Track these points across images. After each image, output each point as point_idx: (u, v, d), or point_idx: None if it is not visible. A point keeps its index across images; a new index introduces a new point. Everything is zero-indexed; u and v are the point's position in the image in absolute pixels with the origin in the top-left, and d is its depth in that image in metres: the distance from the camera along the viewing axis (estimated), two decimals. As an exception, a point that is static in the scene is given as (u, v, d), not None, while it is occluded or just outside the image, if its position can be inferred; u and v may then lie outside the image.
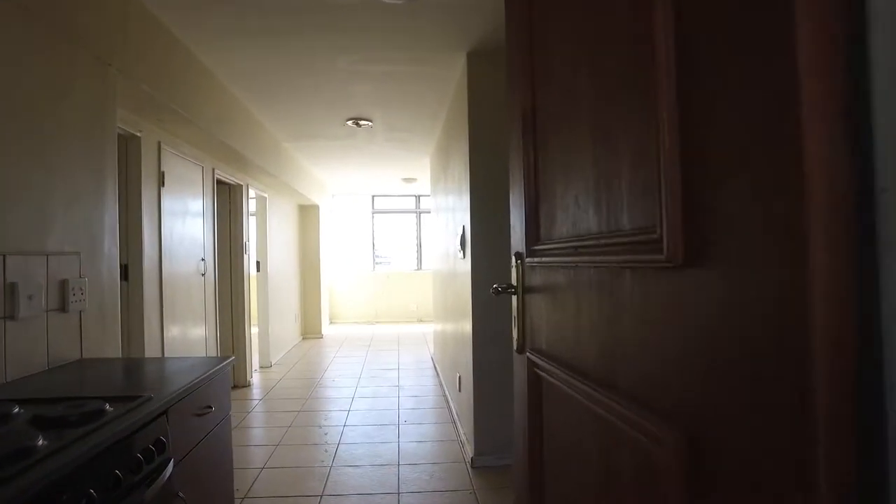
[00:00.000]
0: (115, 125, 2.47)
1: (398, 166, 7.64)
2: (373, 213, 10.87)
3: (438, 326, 6.34)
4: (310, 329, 8.82)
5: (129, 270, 3.29)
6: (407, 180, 8.78)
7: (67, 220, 2.09)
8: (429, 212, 10.78)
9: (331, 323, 10.28)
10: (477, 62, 3.46)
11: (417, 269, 10.91)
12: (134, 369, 2.19)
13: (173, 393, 1.64)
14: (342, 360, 6.99)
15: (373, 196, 10.81)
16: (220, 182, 5.01)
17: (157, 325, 3.52)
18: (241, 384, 5.46)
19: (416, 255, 10.97)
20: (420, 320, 10.58)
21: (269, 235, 6.64)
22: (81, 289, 2.13)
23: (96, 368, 2.04)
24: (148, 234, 3.41)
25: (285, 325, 7.50)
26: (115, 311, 2.43)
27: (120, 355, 2.46)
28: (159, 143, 3.56)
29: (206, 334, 4.38)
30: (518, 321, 1.14)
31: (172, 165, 3.76)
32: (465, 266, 3.64)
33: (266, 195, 6.47)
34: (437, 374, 5.94)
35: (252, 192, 6.15)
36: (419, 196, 10.86)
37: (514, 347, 1.17)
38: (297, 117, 5.01)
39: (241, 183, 5.45)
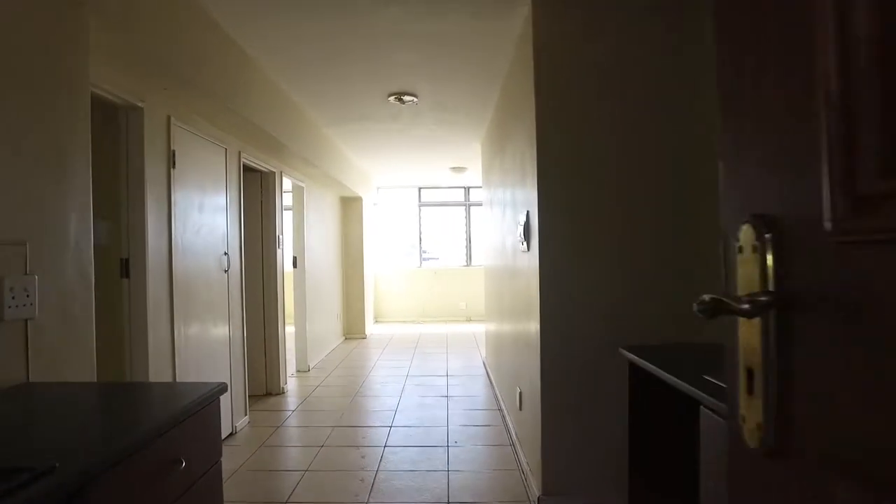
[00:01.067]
0: (86, 78, 1.93)
1: (446, 153, 7.01)
2: (419, 205, 10.28)
3: (491, 327, 5.69)
4: (353, 329, 8.32)
5: (131, 266, 2.78)
6: (456, 169, 8.14)
7: (3, 195, 1.54)
8: (479, 204, 10.13)
9: (375, 322, 9.77)
10: (545, 11, 2.77)
11: (467, 265, 10.27)
12: (86, 403, 1.61)
13: (106, 453, 1.06)
14: (386, 363, 6.42)
15: (419, 188, 10.22)
16: (249, 168, 4.51)
17: (165, 326, 3.00)
18: (274, 391, 4.96)
19: (465, 250, 10.32)
20: (469, 319, 9.94)
21: (308, 228, 6.14)
22: (26, 289, 1.59)
23: (34, 401, 1.49)
24: (154, 223, 2.90)
25: (326, 325, 7.00)
26: (86, 318, 1.89)
27: (94, 375, 1.92)
28: (169, 118, 3.05)
29: (231, 335, 3.88)
30: (764, 380, 0.48)
31: (186, 144, 3.25)
32: (530, 260, 2.97)
33: (304, 185, 5.97)
34: (491, 382, 5.29)
35: (288, 182, 5.65)
36: (468, 188, 10.21)
37: (755, 442, 0.50)
38: (335, 95, 4.44)
39: (275, 170, 4.94)
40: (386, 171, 8.55)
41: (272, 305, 4.92)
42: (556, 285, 2.70)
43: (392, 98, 4.44)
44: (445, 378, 5.60)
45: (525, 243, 3.06)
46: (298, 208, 5.98)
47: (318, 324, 6.56)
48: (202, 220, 3.45)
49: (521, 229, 3.15)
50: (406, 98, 4.44)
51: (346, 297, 8.26)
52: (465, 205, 10.30)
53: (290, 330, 5.70)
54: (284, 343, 5.11)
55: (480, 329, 8.88)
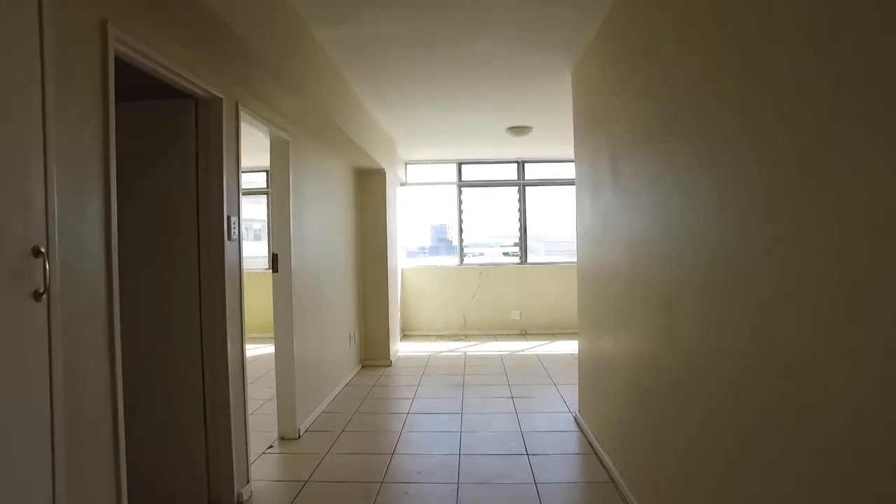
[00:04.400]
0: None
1: (510, 97, 4.65)
2: (459, 185, 7.94)
3: (601, 350, 3.37)
4: (373, 352, 6.03)
5: None
6: (515, 130, 5.78)
7: None
8: (539, 183, 7.72)
9: (404, 337, 7.51)
10: None
11: (520, 263, 7.92)
12: None
13: None
14: (423, 421, 4.14)
15: (459, 163, 7.89)
16: (155, 81, 2.24)
17: None
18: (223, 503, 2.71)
19: (519, 242, 7.95)
20: (524, 334, 7.62)
21: (300, 210, 3.87)
22: None
23: None
24: None
25: (330, 354, 4.74)
26: None
27: None
28: None
29: (58, 416, 1.64)
30: None
31: None
32: None
33: (289, 138, 3.69)
34: (611, 477, 2.97)
35: (259, 133, 3.39)
36: (522, 162, 7.84)
37: None
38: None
39: (221, 96, 2.67)
40: (416, 134, 6.21)
41: (215, 341, 2.66)
42: None
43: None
44: (525, 459, 3.29)
45: None
46: (281, 176, 3.70)
47: (317, 353, 4.31)
48: None
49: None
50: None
51: (362, 309, 5.99)
52: (518, 184, 7.93)
53: (265, 353, 3.48)
54: (244, 401, 2.86)
55: (544, 349, 6.56)
